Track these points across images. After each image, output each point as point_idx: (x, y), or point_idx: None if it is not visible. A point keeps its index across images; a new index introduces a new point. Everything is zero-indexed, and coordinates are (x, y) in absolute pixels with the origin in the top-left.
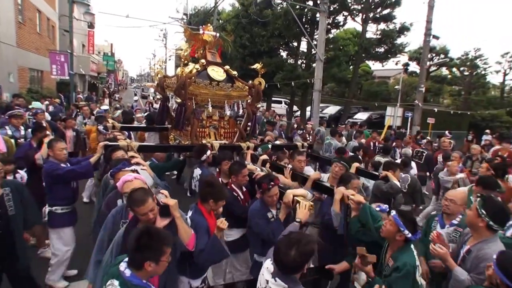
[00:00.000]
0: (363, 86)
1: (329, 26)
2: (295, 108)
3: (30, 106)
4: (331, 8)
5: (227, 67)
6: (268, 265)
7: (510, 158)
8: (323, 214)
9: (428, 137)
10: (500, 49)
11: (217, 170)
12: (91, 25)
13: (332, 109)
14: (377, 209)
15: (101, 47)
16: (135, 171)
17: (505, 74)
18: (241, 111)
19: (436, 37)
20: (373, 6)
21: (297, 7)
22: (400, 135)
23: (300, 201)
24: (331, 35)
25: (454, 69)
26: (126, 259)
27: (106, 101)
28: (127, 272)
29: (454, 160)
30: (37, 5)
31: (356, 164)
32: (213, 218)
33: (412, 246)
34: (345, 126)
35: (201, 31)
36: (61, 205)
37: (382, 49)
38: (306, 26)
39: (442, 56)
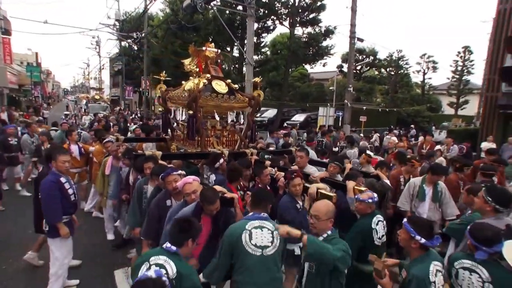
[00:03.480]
0: (300, 89)
1: (259, 31)
2: None
3: None
4: (261, 13)
5: (228, 80)
6: None
7: (431, 149)
8: (340, 203)
9: (361, 134)
10: (420, 50)
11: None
12: (6, 32)
13: (271, 112)
14: (369, 200)
15: (23, 56)
16: (182, 175)
17: (424, 73)
18: (241, 120)
19: (361, 40)
20: (300, 10)
21: (227, 12)
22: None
23: (324, 192)
24: (263, 40)
25: (383, 70)
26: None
27: (4, 115)
28: (173, 247)
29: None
30: None
31: (349, 165)
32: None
33: (432, 256)
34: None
35: (203, 48)
36: (65, 214)
37: (310, 52)
38: (238, 30)
39: (371, 57)
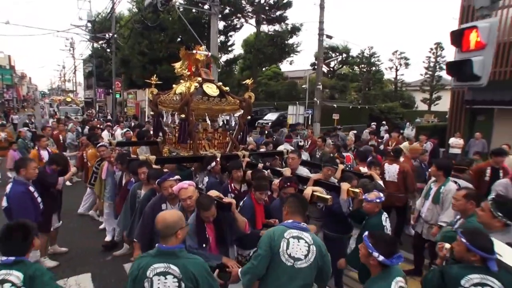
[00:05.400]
0: (270, 87)
1: (226, 29)
2: None
3: None
4: (227, 11)
5: (219, 83)
6: None
7: (397, 145)
8: (332, 204)
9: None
10: (392, 47)
11: (230, 177)
12: None
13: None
14: (377, 200)
15: None
16: (179, 180)
17: (396, 70)
18: (233, 123)
19: (329, 37)
20: (266, 8)
21: (193, 10)
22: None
23: (319, 195)
24: (231, 38)
25: (355, 67)
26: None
27: None
28: (10, 259)
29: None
30: None
31: (342, 166)
32: (260, 205)
33: (394, 272)
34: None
35: (194, 51)
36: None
37: (275, 50)
38: (205, 29)
39: (344, 55)
